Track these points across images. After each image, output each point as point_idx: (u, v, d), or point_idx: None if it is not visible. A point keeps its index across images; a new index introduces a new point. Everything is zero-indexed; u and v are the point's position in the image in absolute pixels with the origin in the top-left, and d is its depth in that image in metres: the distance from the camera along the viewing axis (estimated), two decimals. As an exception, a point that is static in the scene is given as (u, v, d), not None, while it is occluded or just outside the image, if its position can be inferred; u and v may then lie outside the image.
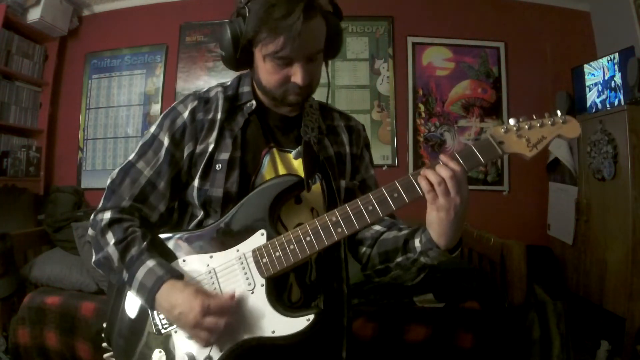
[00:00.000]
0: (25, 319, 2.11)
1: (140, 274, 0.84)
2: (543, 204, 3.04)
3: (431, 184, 0.78)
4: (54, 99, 3.38)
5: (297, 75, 0.86)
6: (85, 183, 3.35)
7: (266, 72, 0.89)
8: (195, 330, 0.80)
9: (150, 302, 0.84)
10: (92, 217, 0.94)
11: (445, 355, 1.86)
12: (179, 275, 0.85)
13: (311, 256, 0.85)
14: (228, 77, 1.02)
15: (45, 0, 2.98)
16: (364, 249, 0.99)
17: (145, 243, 0.88)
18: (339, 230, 0.82)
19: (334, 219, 0.83)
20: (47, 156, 3.30)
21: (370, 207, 0.82)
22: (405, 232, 0.92)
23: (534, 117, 0.83)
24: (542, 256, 2.83)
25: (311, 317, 0.80)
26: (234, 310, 0.81)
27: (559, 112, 0.82)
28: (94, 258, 0.91)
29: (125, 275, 0.87)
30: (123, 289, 0.94)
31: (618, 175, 2.28)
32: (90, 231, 0.93)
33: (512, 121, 0.83)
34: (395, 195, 0.82)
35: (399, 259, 0.91)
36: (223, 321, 0.78)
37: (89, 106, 3.43)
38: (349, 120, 1.08)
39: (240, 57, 0.89)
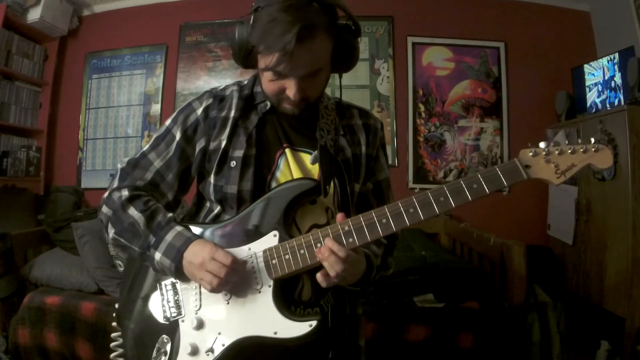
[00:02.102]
0: (25, 319, 2.11)
1: (170, 236, 0.89)
2: (543, 204, 3.04)
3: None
4: (54, 99, 3.39)
5: (290, 90, 0.87)
6: (85, 183, 3.36)
7: (264, 79, 0.91)
8: (201, 271, 0.84)
9: (177, 259, 0.87)
10: (105, 196, 0.96)
11: (445, 355, 1.86)
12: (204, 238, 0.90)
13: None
14: (228, 77, 1.03)
15: (45, 0, 2.99)
16: None
17: (170, 214, 0.93)
18: (350, 240, 0.83)
19: (346, 228, 0.83)
20: (47, 156, 3.30)
21: (384, 220, 0.82)
22: None
23: (566, 143, 0.80)
24: (542, 256, 2.83)
25: (314, 323, 0.81)
26: (236, 267, 0.84)
27: (592, 140, 0.79)
28: (112, 234, 0.93)
29: (151, 238, 0.89)
30: (140, 274, 0.97)
31: (618, 175, 2.28)
32: (105, 209, 0.95)
33: (542, 145, 0.81)
34: (411, 210, 0.82)
35: None
36: (224, 270, 0.82)
37: (89, 106, 3.43)
38: (368, 118, 1.08)
39: (245, 59, 0.92)
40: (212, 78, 3.29)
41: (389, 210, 0.83)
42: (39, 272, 2.31)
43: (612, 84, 2.59)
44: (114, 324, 0.99)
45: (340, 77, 1.00)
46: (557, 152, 0.79)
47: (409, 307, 1.95)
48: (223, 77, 3.25)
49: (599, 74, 2.72)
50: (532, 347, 1.90)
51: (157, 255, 0.88)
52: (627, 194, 2.20)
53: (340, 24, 0.91)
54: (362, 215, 0.84)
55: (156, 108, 3.34)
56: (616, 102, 2.56)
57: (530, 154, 0.80)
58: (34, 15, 3.00)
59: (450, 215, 3.03)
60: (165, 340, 0.88)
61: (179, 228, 0.90)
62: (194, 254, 0.85)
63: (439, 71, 3.22)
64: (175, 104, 3.31)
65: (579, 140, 0.80)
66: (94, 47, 3.45)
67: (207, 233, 0.93)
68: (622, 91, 2.52)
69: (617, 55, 2.55)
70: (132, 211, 0.91)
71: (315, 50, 0.85)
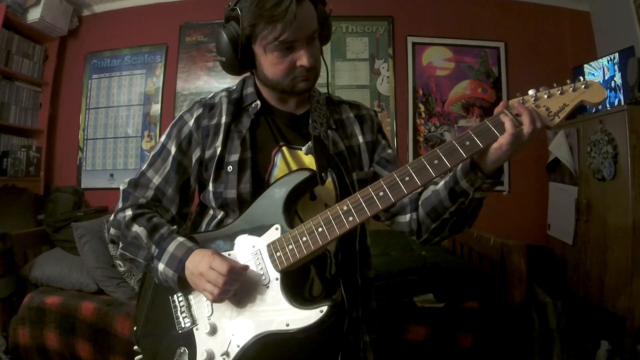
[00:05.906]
0: (25, 319, 2.11)
1: (172, 247, 0.89)
2: (543, 204, 3.04)
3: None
4: (54, 99, 3.38)
5: (302, 58, 0.88)
6: (85, 183, 3.36)
7: (271, 64, 0.90)
8: (202, 281, 0.83)
9: (179, 270, 0.87)
10: (111, 218, 0.98)
11: (445, 355, 1.86)
12: (205, 248, 0.90)
13: (324, 247, 0.85)
14: (227, 76, 1.04)
15: (45, 0, 2.98)
16: (408, 216, 0.98)
17: (174, 226, 0.95)
18: (351, 218, 0.82)
19: (345, 207, 0.82)
20: (47, 156, 3.30)
21: (381, 193, 0.81)
22: (442, 182, 0.90)
23: (554, 86, 0.80)
24: (542, 256, 2.83)
25: (324, 308, 0.80)
26: (234, 276, 0.82)
27: (581, 78, 0.80)
28: (119, 250, 0.95)
29: (154, 250, 0.91)
30: (154, 293, 0.98)
31: (618, 175, 2.28)
32: (112, 230, 0.97)
33: (530, 92, 0.80)
34: (407, 179, 0.80)
35: (451, 209, 0.88)
36: (222, 279, 0.81)
37: (89, 106, 3.43)
38: (359, 109, 1.08)
39: (241, 57, 0.90)
40: (212, 78, 3.29)
41: (385, 182, 0.81)
42: (39, 272, 2.32)
43: (612, 84, 2.59)
44: (135, 347, 1.00)
45: (321, 51, 0.99)
46: (546, 96, 0.80)
47: (409, 307, 1.94)
48: (223, 77, 3.25)
49: (599, 74, 2.72)
50: (532, 347, 1.90)
51: (160, 266, 0.89)
52: (627, 194, 2.20)
53: None
54: (359, 192, 0.83)
55: (156, 108, 3.34)
56: (616, 102, 2.56)
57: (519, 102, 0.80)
58: (34, 15, 3.00)
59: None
60: (183, 352, 0.88)
61: (180, 239, 0.91)
62: (194, 264, 0.85)
63: (439, 71, 3.22)
64: (175, 104, 3.31)
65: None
66: (94, 47, 3.45)
67: (211, 240, 0.93)
68: (622, 91, 2.52)
69: (617, 55, 2.55)
70: (135, 227, 0.93)
71: (308, 11, 0.88)
